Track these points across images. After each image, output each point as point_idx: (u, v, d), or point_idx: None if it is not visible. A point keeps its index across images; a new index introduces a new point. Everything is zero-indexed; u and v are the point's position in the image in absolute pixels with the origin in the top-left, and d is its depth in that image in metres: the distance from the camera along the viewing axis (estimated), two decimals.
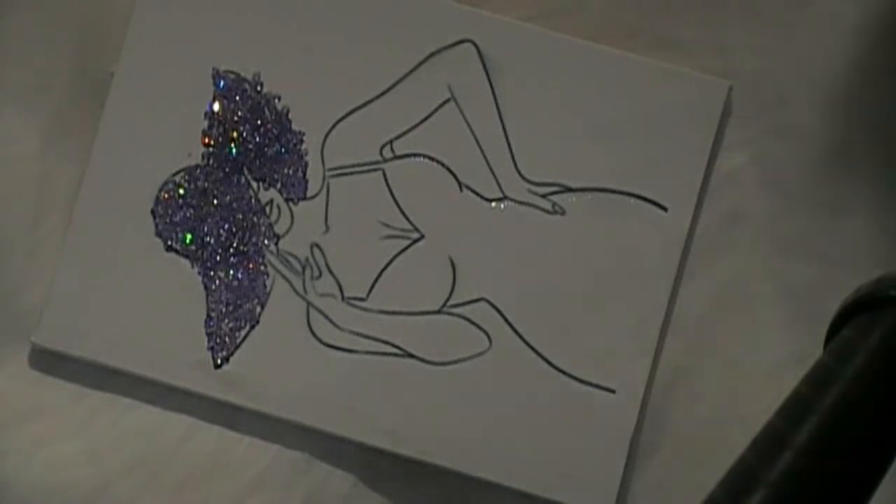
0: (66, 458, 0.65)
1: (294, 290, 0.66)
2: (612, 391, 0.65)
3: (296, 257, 0.66)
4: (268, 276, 0.66)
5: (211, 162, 0.66)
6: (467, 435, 0.65)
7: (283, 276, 0.66)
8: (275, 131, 0.66)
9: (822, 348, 0.50)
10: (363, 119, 0.66)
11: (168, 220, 0.66)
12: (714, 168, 0.67)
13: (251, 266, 0.66)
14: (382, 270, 0.66)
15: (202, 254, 0.66)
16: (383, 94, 0.66)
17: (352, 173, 0.66)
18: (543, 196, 0.66)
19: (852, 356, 0.47)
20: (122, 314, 0.65)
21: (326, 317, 0.66)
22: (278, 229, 0.66)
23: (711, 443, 0.65)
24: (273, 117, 0.66)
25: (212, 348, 0.65)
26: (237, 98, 0.66)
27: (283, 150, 0.66)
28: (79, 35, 0.67)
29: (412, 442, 0.65)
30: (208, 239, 0.66)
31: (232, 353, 0.65)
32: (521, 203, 0.66)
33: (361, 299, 0.66)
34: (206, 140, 0.66)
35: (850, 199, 0.67)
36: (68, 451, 0.65)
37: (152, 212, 0.66)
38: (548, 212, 0.66)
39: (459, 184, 0.66)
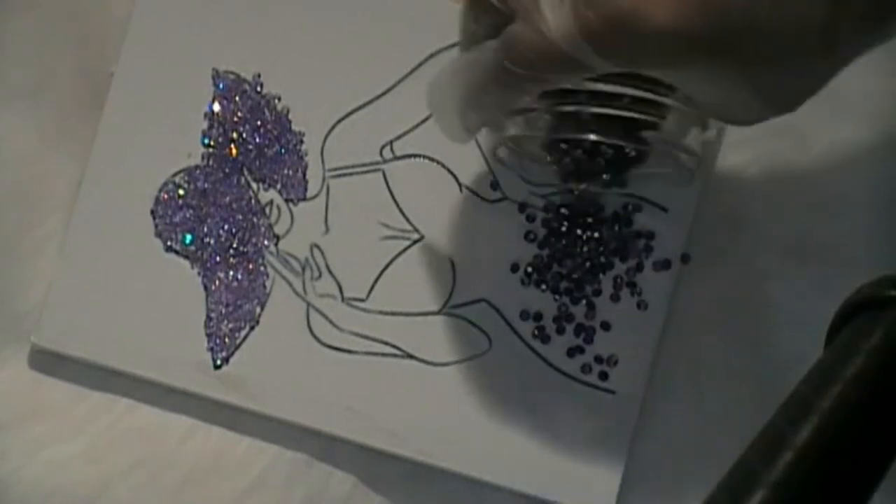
0: (66, 458, 0.65)
1: (294, 290, 0.66)
2: (612, 392, 0.65)
3: (296, 258, 0.66)
4: (268, 276, 0.66)
5: (211, 162, 0.66)
6: (467, 435, 0.65)
7: (283, 277, 0.66)
8: (275, 132, 0.66)
9: (823, 348, 0.50)
10: (363, 119, 0.66)
11: (168, 221, 0.66)
12: (714, 168, 0.67)
13: (251, 267, 0.66)
14: (382, 271, 0.66)
15: (202, 254, 0.66)
16: (383, 94, 0.66)
17: (352, 174, 0.66)
18: (544, 196, 0.66)
19: (852, 356, 0.47)
20: (121, 314, 0.65)
21: (326, 317, 0.66)
22: (278, 230, 0.66)
23: (711, 444, 0.65)
24: (273, 118, 0.66)
25: (211, 349, 0.65)
26: (237, 98, 0.66)
27: (282, 150, 0.66)
28: (79, 35, 0.67)
29: (412, 442, 0.65)
30: (208, 240, 0.66)
31: (232, 354, 0.65)
32: (521, 204, 0.66)
33: (361, 300, 0.66)
34: (206, 141, 0.66)
35: (850, 199, 0.67)
36: (68, 451, 0.65)
37: (152, 212, 0.66)
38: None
39: (459, 184, 0.66)
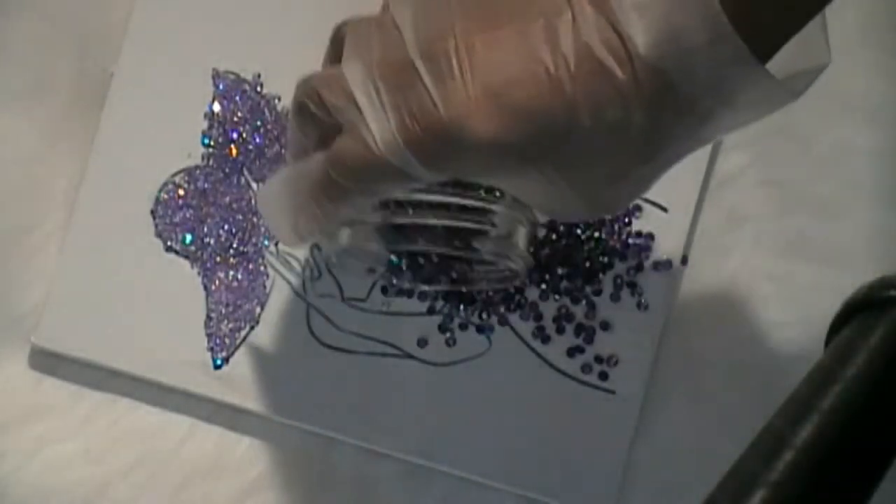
0: (66, 458, 0.65)
1: (294, 290, 0.66)
2: (612, 392, 0.65)
3: (296, 258, 0.66)
4: (267, 276, 0.66)
5: (211, 162, 0.66)
6: (467, 435, 0.65)
7: (283, 277, 0.66)
8: (275, 132, 0.66)
9: (823, 348, 0.50)
10: None
11: (168, 221, 0.66)
12: (714, 168, 0.67)
13: (251, 267, 0.66)
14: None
15: (202, 254, 0.66)
16: None
17: None
18: None
19: (852, 356, 0.47)
20: (121, 315, 0.65)
21: (326, 317, 0.66)
22: None
23: (711, 444, 0.65)
24: (273, 118, 0.66)
25: (212, 349, 0.65)
26: (237, 99, 0.66)
27: (283, 150, 0.66)
28: (79, 35, 0.67)
29: (412, 442, 0.65)
30: (208, 239, 0.66)
31: (232, 354, 0.65)
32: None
33: (361, 300, 0.66)
34: (206, 141, 0.66)
35: (850, 199, 0.67)
36: (68, 451, 0.65)
37: (152, 212, 0.66)
38: None
39: None
